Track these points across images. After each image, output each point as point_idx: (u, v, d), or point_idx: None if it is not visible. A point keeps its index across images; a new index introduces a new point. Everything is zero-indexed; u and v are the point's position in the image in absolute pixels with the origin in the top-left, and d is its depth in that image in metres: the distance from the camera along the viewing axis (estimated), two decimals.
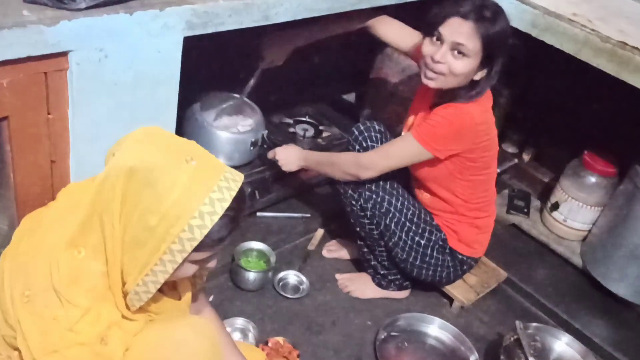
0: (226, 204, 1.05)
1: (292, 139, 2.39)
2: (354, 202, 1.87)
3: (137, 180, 1.04)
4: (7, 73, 1.16)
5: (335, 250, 2.24)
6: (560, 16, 1.93)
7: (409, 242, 1.88)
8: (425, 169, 1.81)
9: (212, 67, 2.18)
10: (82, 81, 1.26)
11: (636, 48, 1.79)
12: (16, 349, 1.10)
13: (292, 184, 2.29)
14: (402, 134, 1.90)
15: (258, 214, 2.25)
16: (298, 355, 1.81)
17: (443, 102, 1.71)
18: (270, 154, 2.00)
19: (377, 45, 2.38)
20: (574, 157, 2.42)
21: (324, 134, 2.50)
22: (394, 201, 1.85)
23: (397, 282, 2.08)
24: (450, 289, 2.10)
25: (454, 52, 1.62)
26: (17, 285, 1.10)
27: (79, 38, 1.20)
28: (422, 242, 1.89)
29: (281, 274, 2.08)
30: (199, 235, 1.04)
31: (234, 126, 2.18)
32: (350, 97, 2.92)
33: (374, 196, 1.84)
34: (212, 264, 1.20)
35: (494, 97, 1.78)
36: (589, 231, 2.39)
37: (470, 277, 2.14)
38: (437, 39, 1.63)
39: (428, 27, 1.66)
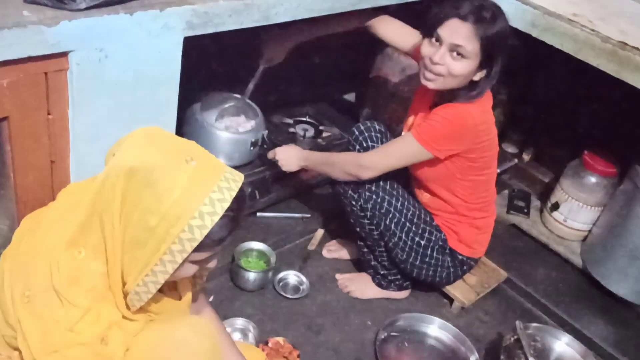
0: (226, 204, 1.05)
1: (292, 139, 2.39)
2: (354, 203, 1.87)
3: (137, 181, 1.04)
4: (7, 73, 1.16)
5: (335, 251, 2.24)
6: (560, 16, 1.93)
7: (409, 242, 1.88)
8: (425, 169, 1.81)
9: (212, 67, 2.18)
10: (82, 81, 1.26)
11: (636, 48, 1.79)
12: (16, 349, 1.10)
13: (292, 184, 2.29)
14: (402, 134, 1.90)
15: (258, 214, 2.25)
16: (298, 356, 1.81)
17: (443, 102, 1.72)
18: (270, 154, 2.00)
19: (377, 45, 2.38)
20: (574, 157, 2.42)
21: (324, 134, 2.50)
22: (394, 201, 1.85)
23: (397, 283, 2.08)
24: (450, 289, 2.10)
25: (452, 53, 1.62)
26: (18, 286, 1.10)
27: (79, 38, 1.20)
28: (422, 242, 1.89)
29: (281, 274, 2.08)
30: (199, 236, 1.04)
31: (234, 126, 2.18)
32: (351, 97, 2.92)
33: (374, 196, 1.84)
34: (212, 264, 1.20)
35: (494, 97, 1.78)
36: (589, 231, 2.39)
37: (470, 277, 2.14)
38: (436, 40, 1.63)
39: (427, 28, 1.66)
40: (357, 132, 1.88)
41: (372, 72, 2.60)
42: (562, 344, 1.99)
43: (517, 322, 1.94)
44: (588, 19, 1.92)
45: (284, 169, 1.96)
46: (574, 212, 2.38)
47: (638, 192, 2.08)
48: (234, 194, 1.07)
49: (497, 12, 1.61)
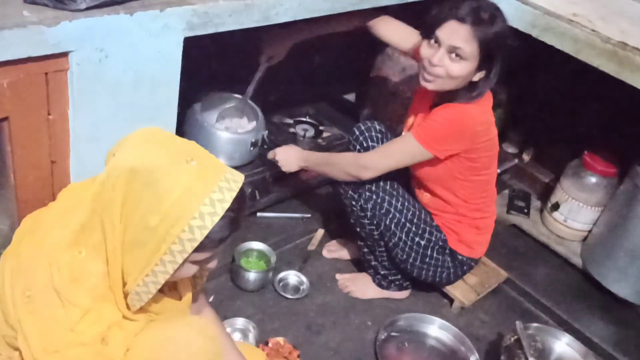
0: (226, 205, 1.05)
1: (292, 139, 2.39)
2: (354, 203, 1.87)
3: (138, 181, 1.04)
4: (8, 73, 1.16)
5: (336, 251, 2.24)
6: (560, 16, 1.92)
7: (409, 242, 1.88)
8: (426, 169, 1.81)
9: (212, 67, 2.18)
10: (82, 81, 1.26)
11: (637, 48, 1.78)
12: (17, 349, 1.10)
13: (292, 184, 2.29)
14: (403, 134, 1.90)
15: (258, 214, 2.25)
16: (298, 356, 1.81)
17: (443, 103, 1.72)
18: (270, 155, 1.99)
19: (377, 45, 2.37)
20: (574, 157, 2.42)
21: (324, 134, 2.50)
22: (394, 202, 1.85)
23: (397, 283, 2.08)
24: (450, 289, 2.10)
25: (451, 55, 1.62)
26: (18, 286, 1.10)
27: (80, 38, 1.20)
28: (422, 242, 1.89)
29: (281, 274, 2.08)
30: (199, 236, 1.04)
31: (234, 127, 2.18)
32: (351, 96, 2.92)
33: (374, 197, 1.84)
34: (212, 265, 1.20)
35: (494, 97, 1.78)
36: (589, 231, 2.39)
37: (470, 278, 2.14)
38: (435, 42, 1.63)
39: (425, 29, 1.66)
40: (357, 132, 1.88)
41: (372, 72, 2.60)
42: (562, 344, 1.99)
43: (517, 322, 1.94)
44: (588, 19, 1.92)
45: (283, 169, 1.96)
46: (574, 212, 2.38)
47: (638, 192, 2.08)
48: (234, 194, 1.07)
49: (496, 13, 1.61)
